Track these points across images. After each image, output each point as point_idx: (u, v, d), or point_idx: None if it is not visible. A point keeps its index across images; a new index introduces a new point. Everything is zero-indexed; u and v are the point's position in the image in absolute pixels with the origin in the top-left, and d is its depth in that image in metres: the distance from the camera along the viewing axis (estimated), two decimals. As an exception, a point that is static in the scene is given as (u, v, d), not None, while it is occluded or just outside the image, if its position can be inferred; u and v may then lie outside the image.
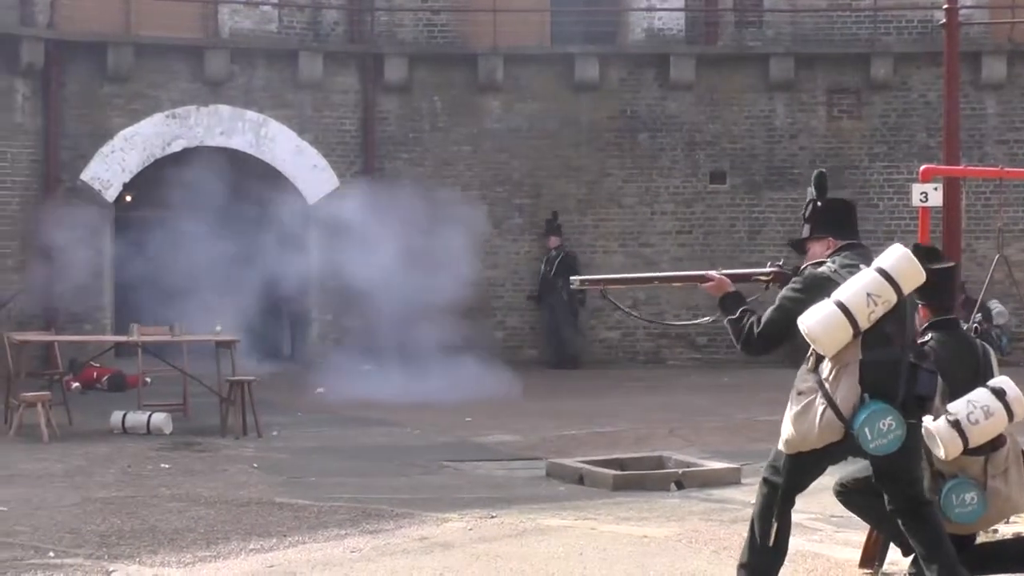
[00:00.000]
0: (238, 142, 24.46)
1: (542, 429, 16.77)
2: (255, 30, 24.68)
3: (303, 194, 24.78)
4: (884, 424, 7.47)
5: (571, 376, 23.31)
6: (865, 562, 8.99)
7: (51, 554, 9.52)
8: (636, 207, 25.51)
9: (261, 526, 10.61)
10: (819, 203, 8.08)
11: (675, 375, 23.44)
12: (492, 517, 10.99)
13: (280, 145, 24.61)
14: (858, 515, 8.68)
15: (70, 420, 16.82)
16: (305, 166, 24.77)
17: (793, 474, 7.78)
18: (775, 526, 7.73)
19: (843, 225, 8.07)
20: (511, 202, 25.41)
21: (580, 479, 13.07)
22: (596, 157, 25.49)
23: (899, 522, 7.88)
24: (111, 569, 9.13)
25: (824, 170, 8.35)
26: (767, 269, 8.48)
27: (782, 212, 25.23)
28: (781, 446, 7.80)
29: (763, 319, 7.89)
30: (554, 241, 24.92)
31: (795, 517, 7.95)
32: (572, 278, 9.12)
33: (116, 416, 16.46)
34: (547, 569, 9.25)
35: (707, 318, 9.52)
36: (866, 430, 7.47)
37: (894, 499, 7.82)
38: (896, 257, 7.67)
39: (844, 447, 7.65)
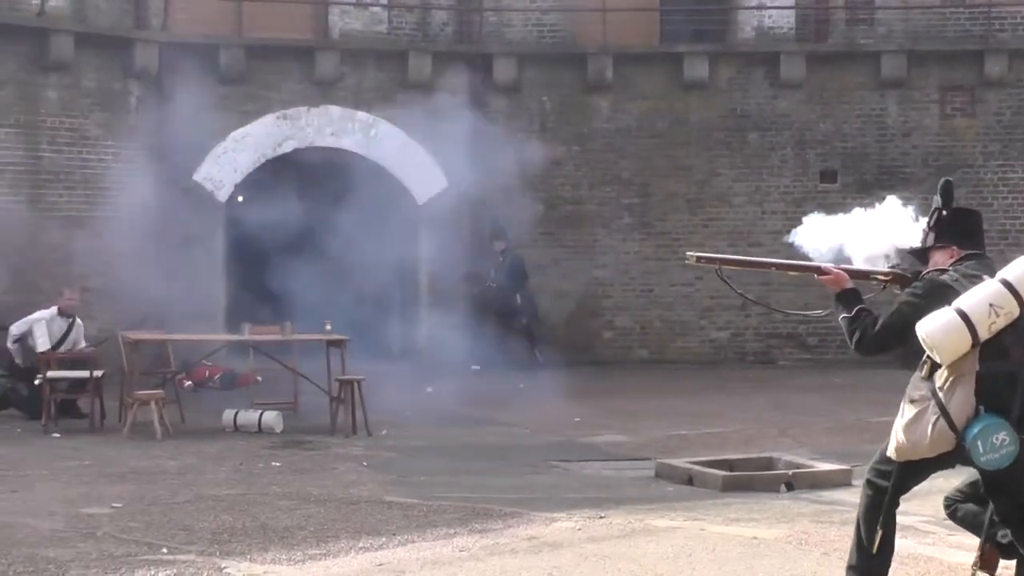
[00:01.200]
0: (348, 142, 24.61)
1: (651, 429, 16.72)
2: (365, 31, 24.81)
3: (412, 194, 24.88)
4: (997, 439, 7.35)
5: (680, 376, 23.20)
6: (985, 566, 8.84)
7: (164, 551, 9.62)
8: (745, 206, 25.36)
9: (371, 524, 10.65)
10: (944, 212, 7.94)
11: (785, 375, 23.27)
12: (601, 517, 10.97)
13: (389, 145, 24.72)
14: (968, 531, 8.53)
15: (183, 418, 17.00)
16: (414, 166, 24.85)
17: (900, 479, 7.69)
18: (880, 530, 7.65)
19: (968, 235, 7.93)
20: (620, 202, 25.36)
21: (689, 480, 13.02)
22: (705, 156, 25.38)
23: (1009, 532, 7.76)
24: (223, 566, 9.20)
25: (951, 179, 8.22)
26: (886, 269, 8.33)
27: (894, 211, 25.00)
28: (891, 453, 7.70)
29: (879, 321, 7.80)
30: (500, 245, 24.70)
31: (908, 520, 7.90)
32: (688, 253, 8.96)
33: (228, 414, 16.61)
34: (656, 570, 9.22)
35: (820, 311, 9.39)
36: (978, 443, 7.35)
37: (1002, 510, 7.71)
38: (1022, 269, 7.54)
39: (954, 456, 7.55)
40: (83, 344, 17.96)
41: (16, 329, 17.93)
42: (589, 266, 25.30)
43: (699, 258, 8.80)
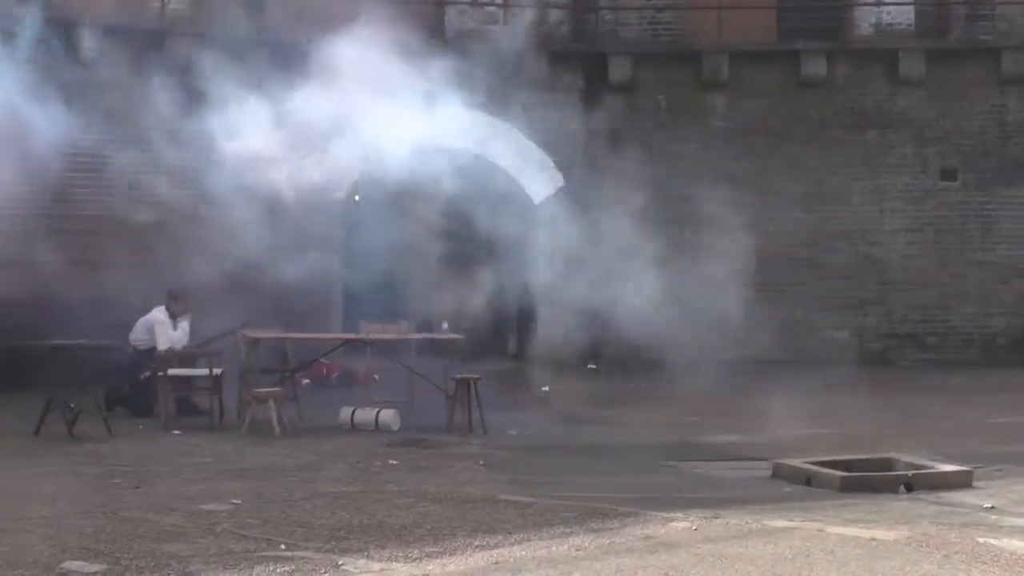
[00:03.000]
0: (464, 142, 24.63)
1: (768, 429, 16.60)
2: (480, 30, 24.86)
3: (528, 193, 24.89)
4: None
5: (796, 376, 22.99)
6: None
7: (282, 547, 9.68)
8: (863, 205, 25.13)
9: (487, 523, 10.66)
10: None
11: (905, 375, 23.03)
12: (717, 517, 10.91)
13: (505, 145, 24.73)
14: None
15: (300, 416, 17.13)
16: (530, 165, 24.87)
17: None
18: None
19: None
20: (736, 200, 25.19)
21: (807, 480, 12.91)
22: (822, 154, 25.17)
23: None
24: (340, 562, 9.25)
25: None
26: None
27: (1015, 209, 24.67)
28: None
29: None
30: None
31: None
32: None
33: (345, 412, 16.71)
34: (773, 571, 9.16)
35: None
36: None
37: None
38: None
39: None
40: (187, 341, 18.18)
41: (144, 328, 18.16)
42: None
43: None
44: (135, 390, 17.80)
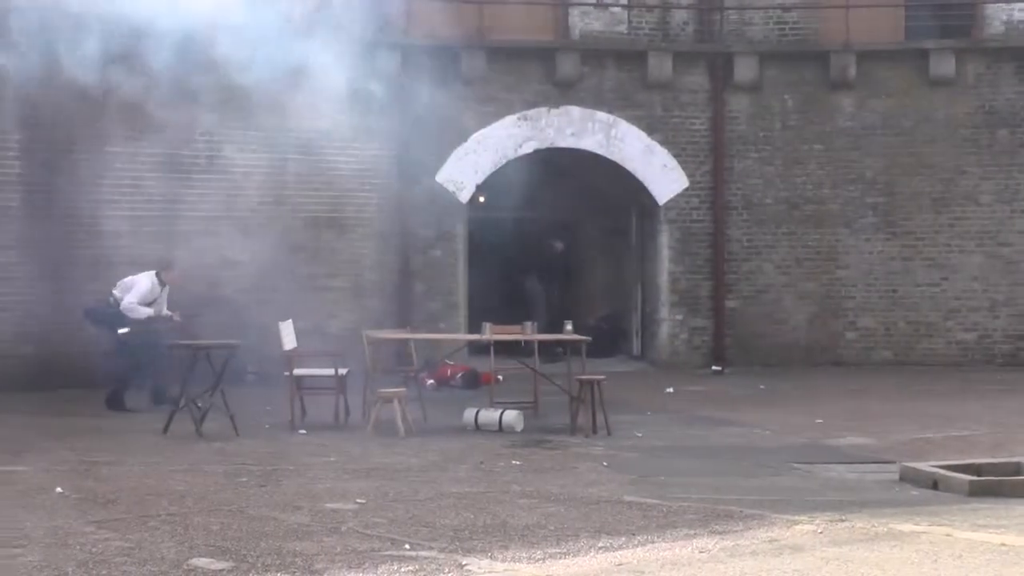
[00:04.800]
0: (588, 143, 24.65)
1: (895, 432, 16.43)
2: (605, 31, 24.85)
3: (653, 194, 24.84)
4: None
5: (925, 378, 22.75)
6: None
7: (407, 546, 9.72)
8: (994, 205, 24.78)
9: (610, 524, 10.64)
10: None
11: (1035, 378, 22.68)
12: (843, 521, 10.80)
13: (630, 145, 24.71)
14: None
15: (425, 416, 17.19)
16: (655, 166, 24.81)
17: None
18: None
19: None
20: (863, 201, 24.99)
21: (934, 484, 12.75)
22: (952, 154, 24.86)
23: None
24: (464, 563, 9.26)
25: None
26: None
27: None
28: None
29: None
30: None
31: None
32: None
33: (469, 413, 16.75)
34: (900, 575, 9.05)
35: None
36: None
37: None
38: None
39: None
40: (165, 311, 18.37)
41: (128, 286, 18.27)
42: (832, 266, 24.98)
43: None
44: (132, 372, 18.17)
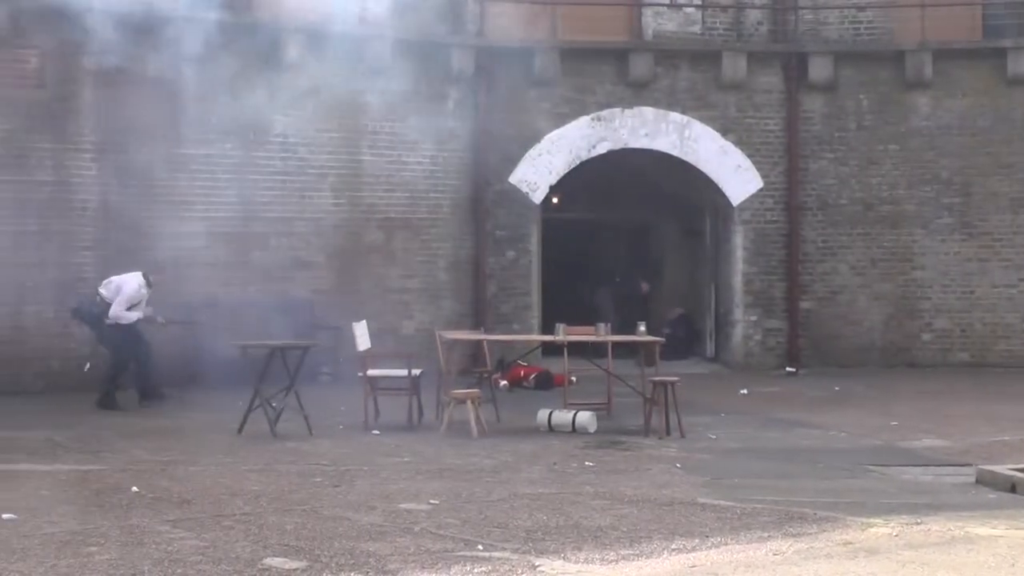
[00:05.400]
0: (662, 143, 24.60)
1: (972, 434, 16.29)
2: (678, 32, 24.79)
3: (727, 195, 24.75)
4: None
5: (1003, 380, 22.55)
6: None
7: (480, 547, 9.73)
8: (1073, 205, 24.59)
9: (683, 526, 10.61)
10: None
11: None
12: (918, 524, 10.72)
13: (704, 146, 24.63)
14: None
15: (498, 417, 17.20)
16: (729, 167, 24.73)
17: None
18: None
19: None
20: (939, 201, 24.81)
21: (1012, 487, 12.63)
22: (1030, 154, 24.67)
23: None
24: (537, 564, 9.26)
25: None
26: None
27: None
28: None
29: None
30: None
31: None
32: None
33: (542, 414, 16.74)
34: (977, 579, 8.98)
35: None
36: None
37: None
38: None
39: None
40: (151, 314, 18.53)
41: (116, 287, 18.40)
42: (907, 267, 24.81)
43: None
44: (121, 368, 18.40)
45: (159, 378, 18.60)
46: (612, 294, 26.05)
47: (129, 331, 18.30)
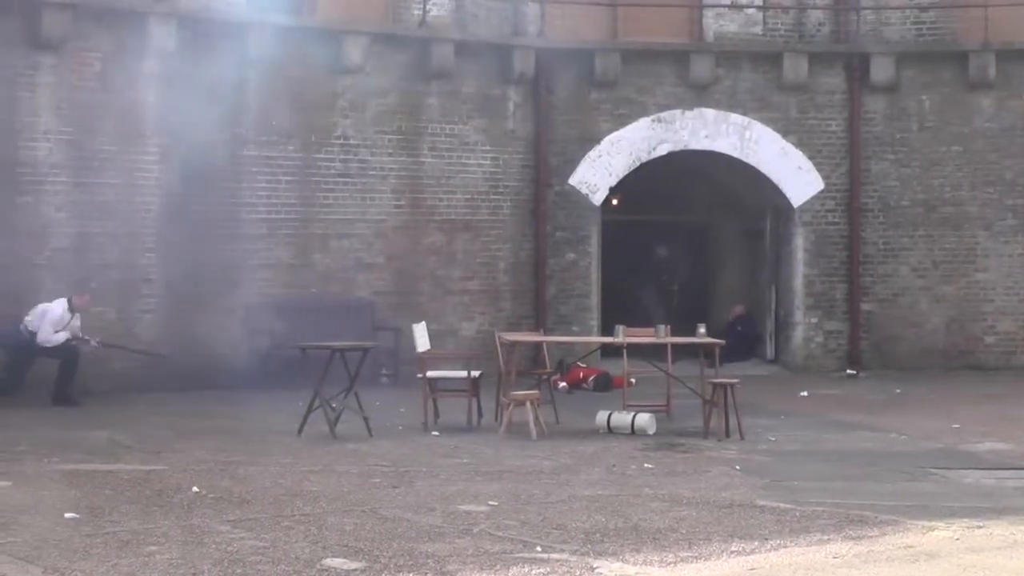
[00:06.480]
0: (722, 145, 24.53)
1: (1034, 438, 16.18)
2: (740, 33, 24.72)
3: (788, 196, 24.65)
4: None
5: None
6: None
7: (538, 548, 9.74)
8: None
9: (743, 528, 10.58)
10: None
11: None
12: (981, 527, 10.65)
13: (764, 147, 24.55)
14: None
15: (557, 419, 17.21)
16: (790, 168, 24.63)
17: None
18: None
19: None
20: (1003, 203, 24.64)
21: (1075, 491, 12.54)
22: (1094, 155, 24.47)
23: None
24: (595, 565, 9.26)
25: None
26: None
27: None
28: None
29: None
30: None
31: None
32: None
33: (601, 416, 16.74)
34: (1039, 584, 8.92)
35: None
36: None
37: None
38: None
39: None
40: (79, 333, 19.00)
41: (40, 314, 18.84)
42: (970, 269, 24.64)
43: None
44: (11, 371, 18.92)
45: (76, 388, 18.90)
46: (666, 295, 26.05)
47: (62, 345, 18.87)
